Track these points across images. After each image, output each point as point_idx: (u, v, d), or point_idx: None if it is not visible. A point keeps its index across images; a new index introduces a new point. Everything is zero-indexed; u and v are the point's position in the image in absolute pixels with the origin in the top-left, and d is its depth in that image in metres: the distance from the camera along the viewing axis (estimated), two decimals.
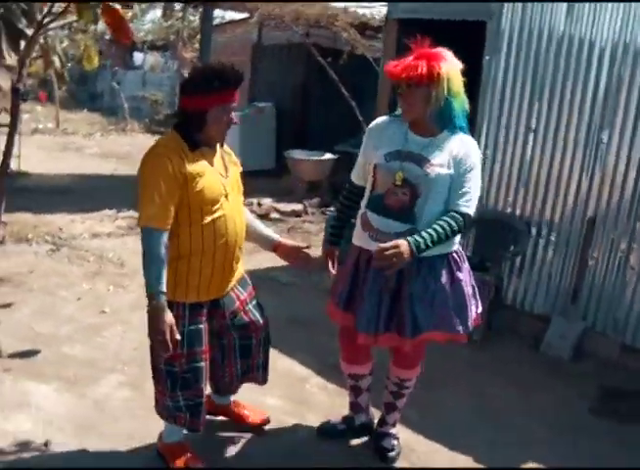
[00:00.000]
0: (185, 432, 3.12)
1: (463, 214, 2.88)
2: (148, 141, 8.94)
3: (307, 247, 3.24)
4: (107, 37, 14.56)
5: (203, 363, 2.95)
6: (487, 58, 5.20)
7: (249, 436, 3.41)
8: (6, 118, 7.03)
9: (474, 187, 2.92)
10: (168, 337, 2.65)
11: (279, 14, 9.44)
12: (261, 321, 3.17)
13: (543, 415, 3.93)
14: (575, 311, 4.82)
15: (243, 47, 11.72)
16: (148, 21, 21.84)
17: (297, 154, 9.54)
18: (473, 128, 5.10)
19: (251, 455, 3.28)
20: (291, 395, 3.89)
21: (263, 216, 7.87)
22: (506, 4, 5.04)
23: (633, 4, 4.40)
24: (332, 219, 5.69)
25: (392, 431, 3.41)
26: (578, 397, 4.19)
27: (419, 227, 2.89)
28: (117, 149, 12.74)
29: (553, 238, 4.93)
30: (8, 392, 3.65)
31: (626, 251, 4.57)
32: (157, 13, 19.12)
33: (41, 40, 6.23)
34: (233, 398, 3.46)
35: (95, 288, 5.33)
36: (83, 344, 4.32)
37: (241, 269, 3.10)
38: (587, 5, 4.63)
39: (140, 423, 3.41)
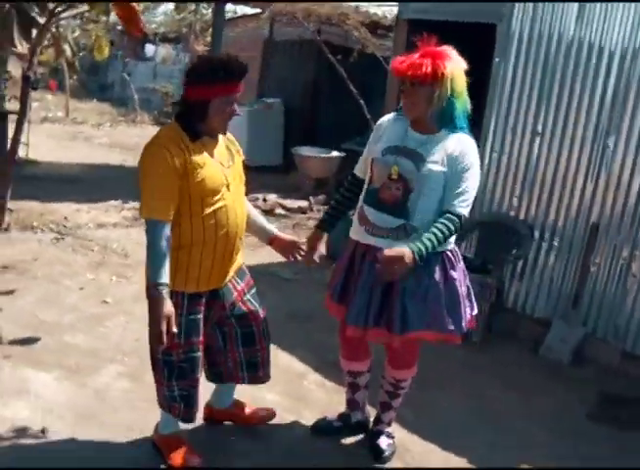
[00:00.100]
0: (181, 424, 3.14)
1: (459, 215, 2.90)
2: None
3: (304, 242, 3.26)
4: (119, 28, 14.56)
5: (199, 353, 2.98)
6: (497, 60, 5.19)
7: (244, 432, 3.42)
8: (16, 106, 7.08)
9: (470, 187, 2.94)
10: (164, 329, 2.66)
11: (291, 10, 9.44)
12: (260, 311, 3.18)
13: (543, 419, 3.94)
14: (576, 317, 4.82)
15: (254, 42, 11.72)
16: (160, 13, 21.84)
17: (305, 150, 9.54)
18: (479, 130, 5.14)
19: (247, 452, 3.29)
20: (289, 391, 3.91)
21: (268, 212, 7.88)
22: (517, 6, 5.04)
23: None
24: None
25: (388, 430, 3.42)
26: (579, 401, 4.19)
27: (412, 223, 2.93)
28: (126, 140, 12.76)
29: (556, 243, 4.93)
30: (7, 378, 3.67)
31: (629, 258, 4.56)
32: (169, 5, 19.10)
33: (53, 29, 6.27)
34: (235, 396, 3.44)
35: (98, 278, 5.36)
36: (85, 333, 4.35)
37: (239, 260, 3.10)
38: (598, 9, 4.63)
39: (139, 414, 3.43)
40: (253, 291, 3.20)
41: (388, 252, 2.75)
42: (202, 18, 19.03)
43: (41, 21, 5.62)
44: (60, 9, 5.67)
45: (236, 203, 2.92)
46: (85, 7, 5.90)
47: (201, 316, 2.95)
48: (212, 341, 3.10)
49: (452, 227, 2.88)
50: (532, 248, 5.03)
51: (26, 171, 8.37)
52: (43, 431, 3.22)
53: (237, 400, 3.46)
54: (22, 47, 5.96)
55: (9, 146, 6.29)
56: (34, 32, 5.69)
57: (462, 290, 3.10)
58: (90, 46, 10.38)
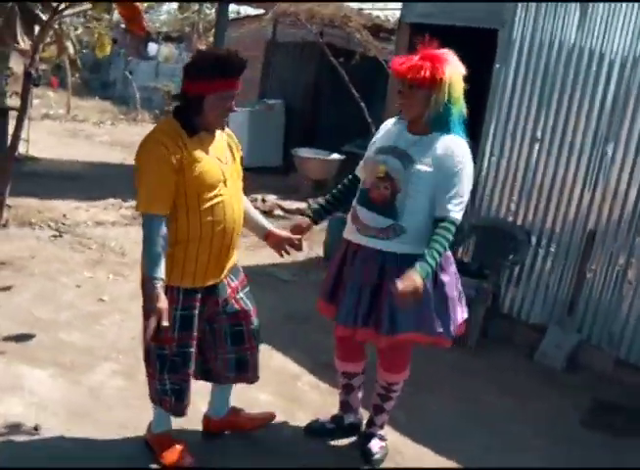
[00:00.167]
0: (173, 420, 3.14)
1: (454, 222, 2.92)
2: None
3: (298, 239, 3.27)
4: (122, 26, 14.57)
5: (192, 349, 2.97)
6: (498, 66, 5.21)
7: (236, 433, 3.41)
8: (17, 102, 7.08)
9: (462, 189, 2.94)
10: (154, 324, 2.65)
11: (294, 11, 9.45)
12: (252, 310, 3.17)
13: (537, 423, 3.95)
14: (571, 323, 4.83)
15: (256, 43, 11.74)
16: (164, 11, 21.90)
17: (305, 152, 9.56)
18: (479, 135, 5.15)
19: (240, 453, 3.29)
20: (283, 392, 3.91)
21: (267, 213, 7.88)
22: (518, 12, 5.05)
23: None
24: (333, 221, 5.72)
25: (380, 433, 3.42)
26: (573, 408, 4.20)
27: (400, 223, 2.95)
28: (127, 138, 12.76)
29: (553, 249, 4.94)
30: (1, 375, 3.67)
31: (624, 265, 4.57)
32: (173, 4, 19.13)
33: (55, 26, 6.27)
34: (232, 402, 3.40)
35: (95, 276, 5.37)
36: (81, 331, 4.35)
37: (234, 257, 3.09)
38: (599, 17, 4.64)
39: (133, 413, 3.43)
40: (247, 290, 3.19)
41: (400, 286, 2.76)
42: (205, 17, 19.08)
43: (44, 17, 5.63)
44: (63, 6, 5.67)
45: (233, 199, 2.92)
46: (88, 5, 5.90)
47: (196, 312, 2.95)
48: (204, 336, 3.10)
49: (450, 236, 2.91)
50: (529, 253, 5.04)
51: (26, 168, 8.38)
52: (36, 428, 3.22)
53: (234, 408, 3.41)
54: (24, 43, 5.97)
55: (9, 142, 6.29)
56: (37, 29, 5.70)
57: (453, 294, 3.11)
58: (93, 44, 10.38)
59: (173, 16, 21.19)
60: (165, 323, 2.68)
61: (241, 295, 3.14)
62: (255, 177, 8.08)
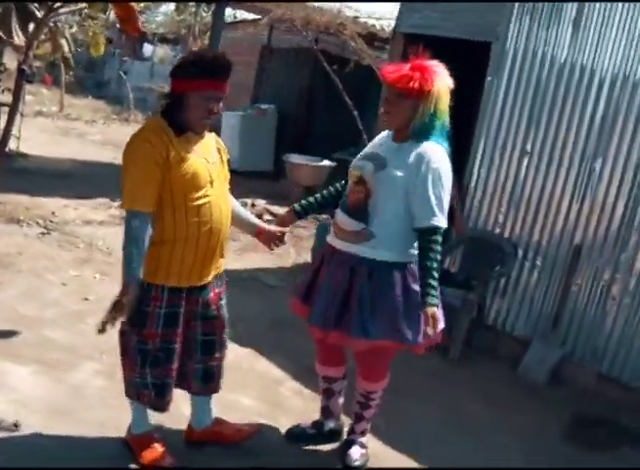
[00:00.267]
0: (152, 416, 3.12)
1: (437, 229, 2.94)
2: None
3: (284, 232, 3.30)
4: (118, 26, 14.59)
5: (176, 345, 2.97)
6: (489, 79, 5.24)
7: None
8: (9, 98, 7.07)
9: (439, 193, 2.94)
10: (127, 312, 2.80)
11: (290, 18, 9.47)
12: (225, 320, 3.16)
13: (521, 435, 3.96)
14: (555, 337, 4.85)
15: (251, 47, 11.76)
16: (160, 13, 21.91)
17: (296, 158, 9.57)
18: (468, 147, 5.18)
19: (220, 455, 3.28)
20: (265, 396, 3.91)
21: (256, 218, 7.88)
22: (511, 26, 5.09)
23: (636, 39, 4.45)
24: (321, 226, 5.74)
25: (361, 440, 3.42)
26: (556, 421, 4.21)
27: (371, 227, 2.98)
28: (119, 138, 12.68)
29: (539, 262, 4.96)
30: None
31: (609, 280, 4.60)
32: (170, 6, 19.16)
33: (51, 23, 6.28)
34: (214, 414, 3.34)
35: (82, 275, 5.35)
36: (65, 329, 4.34)
37: (221, 262, 3.08)
38: (591, 34, 4.68)
39: (113, 412, 3.41)
40: (225, 299, 3.19)
41: (430, 331, 2.91)
42: (201, 20, 19.12)
43: (39, 14, 5.64)
44: (58, 4, 5.68)
45: (220, 199, 2.92)
46: (84, 3, 5.92)
47: (181, 310, 2.95)
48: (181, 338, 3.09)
49: (438, 247, 2.94)
50: (515, 266, 5.06)
51: (17, 165, 8.35)
52: (16, 425, 3.20)
53: (218, 418, 3.35)
54: (18, 39, 5.97)
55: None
56: (32, 26, 5.71)
57: None
58: (87, 42, 10.39)
59: (170, 17, 21.22)
60: (126, 317, 2.84)
61: (222, 302, 3.14)
62: (246, 182, 8.09)
